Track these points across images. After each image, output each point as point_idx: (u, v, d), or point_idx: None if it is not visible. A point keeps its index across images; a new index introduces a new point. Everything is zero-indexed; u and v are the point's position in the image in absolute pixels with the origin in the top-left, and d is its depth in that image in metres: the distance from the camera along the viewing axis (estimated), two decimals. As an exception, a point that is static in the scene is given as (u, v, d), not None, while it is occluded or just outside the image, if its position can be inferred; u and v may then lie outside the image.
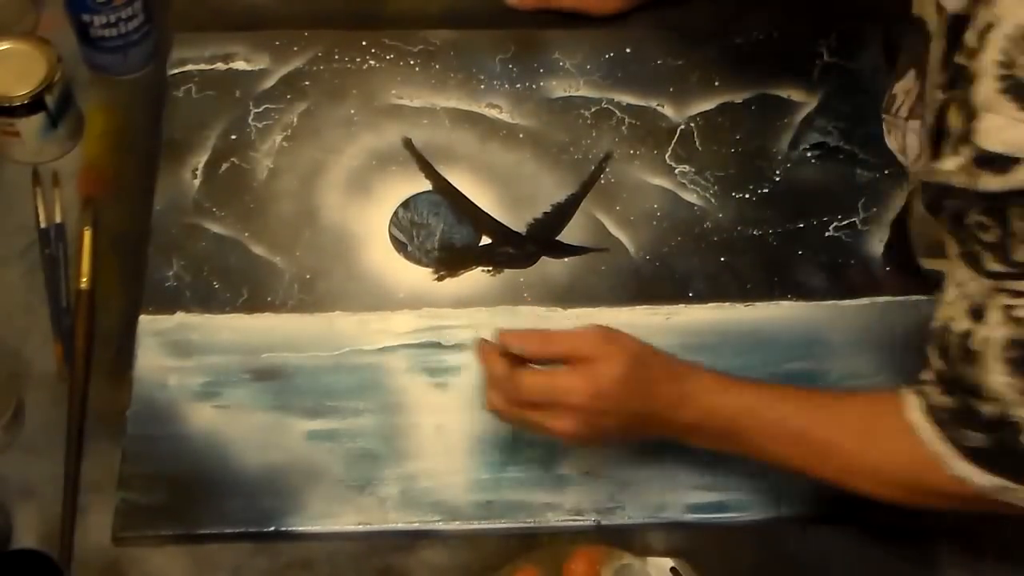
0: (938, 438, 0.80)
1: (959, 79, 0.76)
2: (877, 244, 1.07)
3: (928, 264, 0.96)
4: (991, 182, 0.73)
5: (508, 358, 0.87)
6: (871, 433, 0.84)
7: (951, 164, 0.76)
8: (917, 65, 0.85)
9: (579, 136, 1.11)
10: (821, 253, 1.07)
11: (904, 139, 0.86)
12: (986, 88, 0.72)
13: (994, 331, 0.76)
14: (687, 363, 0.89)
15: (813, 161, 1.11)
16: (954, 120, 0.76)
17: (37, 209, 1.06)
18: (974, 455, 0.79)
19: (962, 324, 0.78)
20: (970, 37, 0.74)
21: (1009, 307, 0.76)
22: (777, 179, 1.10)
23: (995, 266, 0.76)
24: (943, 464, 0.80)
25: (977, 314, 0.77)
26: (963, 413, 0.79)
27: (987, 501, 0.81)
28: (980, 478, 0.79)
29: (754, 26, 1.17)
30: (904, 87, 0.88)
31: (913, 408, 0.81)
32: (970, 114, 0.74)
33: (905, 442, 0.81)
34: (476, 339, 0.89)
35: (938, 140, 0.79)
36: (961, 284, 0.79)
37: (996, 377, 0.77)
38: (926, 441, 0.80)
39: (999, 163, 0.72)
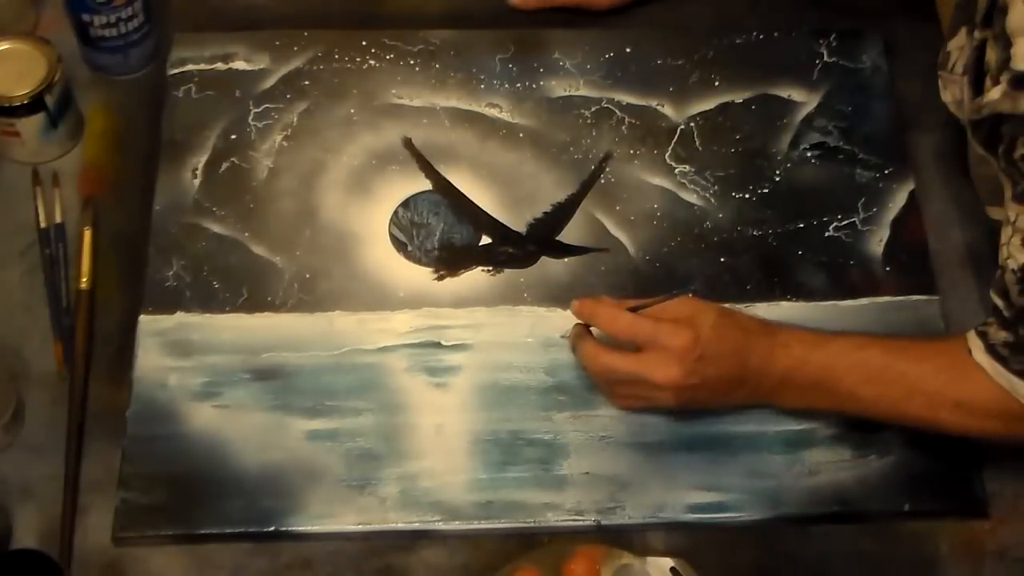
0: (1004, 371, 0.86)
1: (995, 13, 0.80)
2: (877, 244, 1.07)
3: (992, 213, 1.00)
4: None
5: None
6: (951, 370, 0.89)
7: (995, 93, 0.80)
8: (968, 22, 0.88)
9: (579, 136, 1.11)
10: (821, 253, 1.07)
11: (961, 92, 0.90)
12: (1017, 13, 0.76)
13: None
14: (773, 321, 0.97)
15: (813, 161, 1.11)
16: (992, 54, 0.81)
17: (37, 209, 1.06)
18: None
19: (1020, 259, 0.83)
20: None
21: None
22: (777, 179, 1.10)
23: None
24: (1016, 394, 0.85)
25: None
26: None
27: None
28: None
29: (754, 26, 1.17)
30: (957, 44, 0.92)
31: (977, 349, 0.88)
32: (1007, 43, 0.77)
33: (983, 378, 0.87)
34: (572, 304, 0.96)
35: (978, 80, 0.84)
36: (1014, 222, 0.83)
37: None
38: (994, 376, 0.87)
39: None
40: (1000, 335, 0.87)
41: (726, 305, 0.97)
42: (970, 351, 0.88)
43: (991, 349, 0.87)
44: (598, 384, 0.97)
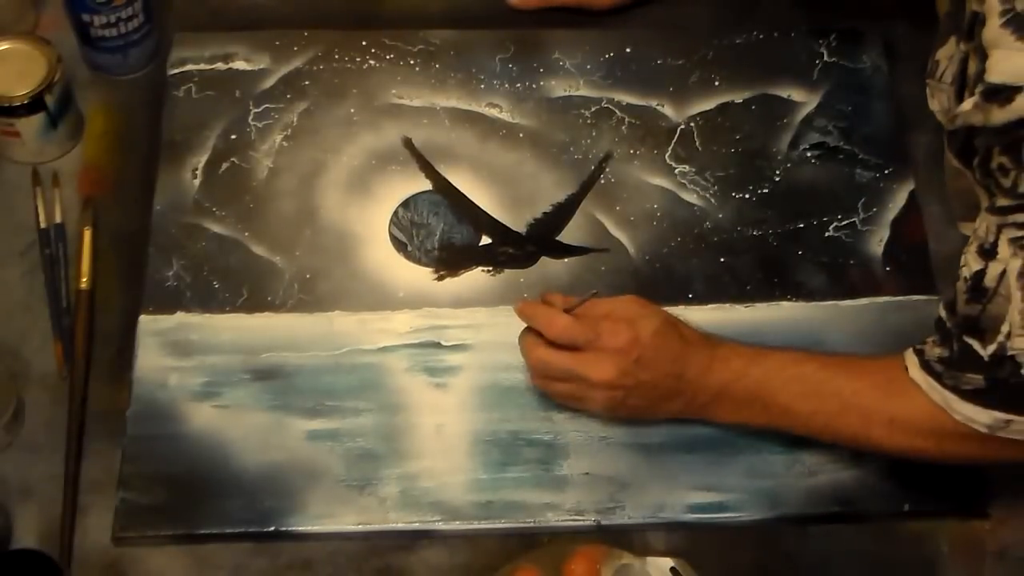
0: (938, 387, 0.85)
1: (975, 25, 0.80)
2: (877, 244, 1.07)
3: (964, 229, 0.99)
4: (998, 115, 0.77)
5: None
6: (887, 387, 0.89)
7: (967, 105, 0.80)
8: (958, 31, 0.88)
9: (579, 136, 1.11)
10: (821, 253, 1.07)
11: (948, 102, 0.90)
12: (992, 26, 0.76)
13: (1009, 264, 0.80)
14: (715, 335, 0.96)
15: (813, 161, 1.11)
16: (972, 66, 0.81)
17: (37, 209, 1.06)
18: (973, 395, 0.84)
19: (974, 266, 0.82)
20: None
21: (1016, 238, 0.79)
22: (777, 179, 1.10)
23: (1003, 201, 0.79)
24: (949, 409, 0.85)
25: (989, 253, 0.81)
26: (960, 359, 0.84)
27: (1000, 442, 0.85)
28: (982, 415, 0.84)
29: (754, 26, 1.17)
30: (946, 53, 0.92)
31: (913, 366, 0.88)
32: (983, 55, 0.78)
33: (917, 394, 0.87)
34: (516, 304, 0.95)
35: (961, 91, 0.84)
36: (977, 230, 0.83)
37: (1015, 305, 0.81)
38: (928, 391, 0.86)
39: (1004, 94, 0.76)
40: (936, 351, 0.86)
41: (671, 310, 0.97)
42: (906, 368, 0.88)
43: (926, 365, 0.87)
44: (535, 378, 0.96)
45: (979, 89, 0.78)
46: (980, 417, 0.84)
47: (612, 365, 0.91)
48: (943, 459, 0.90)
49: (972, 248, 0.83)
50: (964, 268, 0.84)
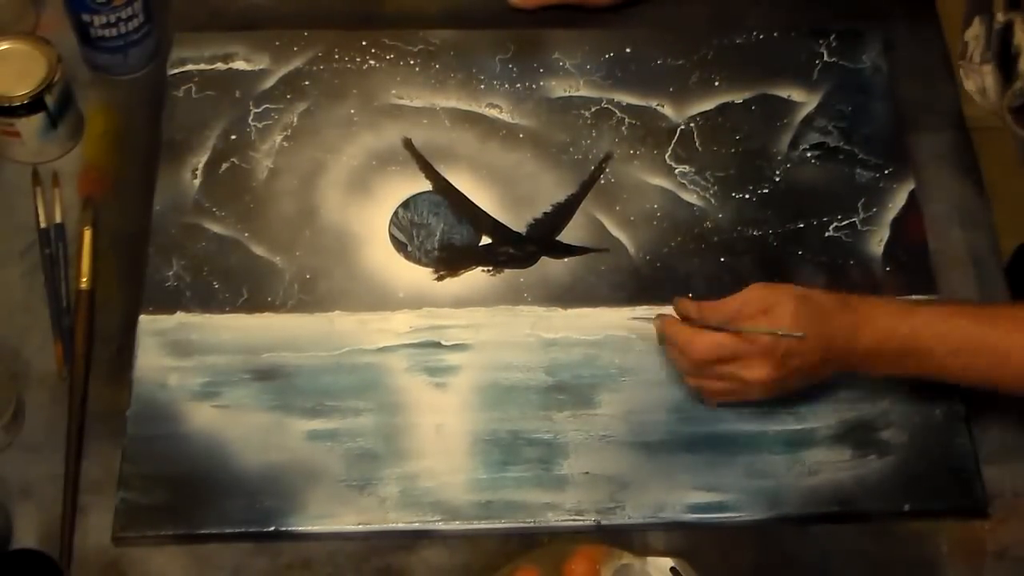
0: None
1: None
2: (877, 244, 1.07)
3: None
4: None
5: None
6: None
7: None
8: (983, 10, 0.88)
9: (579, 136, 1.11)
10: (821, 253, 1.07)
11: (983, 81, 0.89)
12: None
13: None
14: (857, 294, 0.94)
15: (813, 161, 1.11)
16: (1021, 35, 0.80)
17: (37, 209, 1.06)
18: None
19: None
20: None
21: None
22: (777, 179, 1.10)
23: None
24: None
25: None
26: None
27: None
28: None
29: (754, 26, 1.17)
30: (972, 33, 0.92)
31: None
32: None
33: None
34: (655, 318, 0.96)
35: (1004, 64, 0.83)
36: None
37: None
38: None
39: None
40: None
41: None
42: None
43: None
44: (689, 378, 0.96)
45: None
46: None
47: (764, 365, 0.91)
48: None
49: None
50: None
